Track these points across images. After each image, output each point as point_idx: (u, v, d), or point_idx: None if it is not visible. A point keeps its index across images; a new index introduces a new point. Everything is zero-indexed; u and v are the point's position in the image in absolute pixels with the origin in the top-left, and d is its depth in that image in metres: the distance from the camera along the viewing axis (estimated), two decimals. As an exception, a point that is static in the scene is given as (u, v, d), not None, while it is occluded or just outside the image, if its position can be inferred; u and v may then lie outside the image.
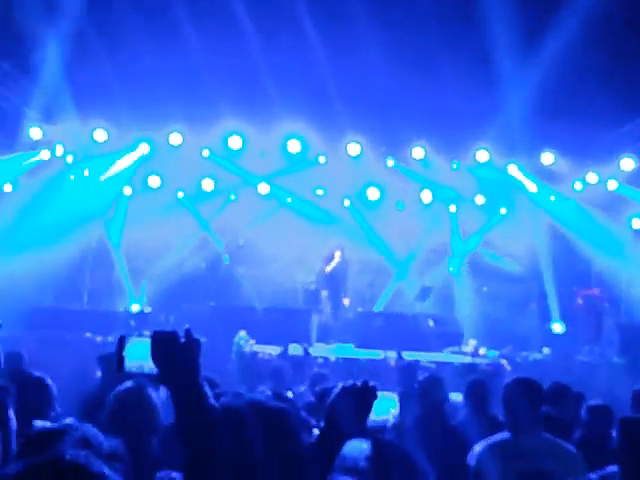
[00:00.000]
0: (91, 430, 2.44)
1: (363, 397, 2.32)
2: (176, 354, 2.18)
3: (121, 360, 2.26)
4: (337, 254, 12.89)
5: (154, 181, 13.34)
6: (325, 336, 11.91)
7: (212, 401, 2.18)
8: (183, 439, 2.16)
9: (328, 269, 12.77)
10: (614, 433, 4.98)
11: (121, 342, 2.26)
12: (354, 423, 2.30)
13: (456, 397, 5.88)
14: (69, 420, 3.00)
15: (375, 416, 2.40)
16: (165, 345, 2.20)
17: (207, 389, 2.23)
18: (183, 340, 2.21)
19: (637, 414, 5.00)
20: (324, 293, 12.74)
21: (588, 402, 5.31)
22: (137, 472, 2.89)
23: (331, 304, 12.71)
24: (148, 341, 2.24)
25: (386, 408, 2.49)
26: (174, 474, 2.52)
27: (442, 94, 10.78)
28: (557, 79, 10.66)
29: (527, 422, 4.07)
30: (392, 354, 10.44)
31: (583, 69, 10.48)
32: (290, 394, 5.57)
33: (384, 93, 11.04)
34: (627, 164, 12.67)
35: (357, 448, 2.70)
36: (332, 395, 2.34)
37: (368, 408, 2.32)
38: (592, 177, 13.10)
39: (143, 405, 3.44)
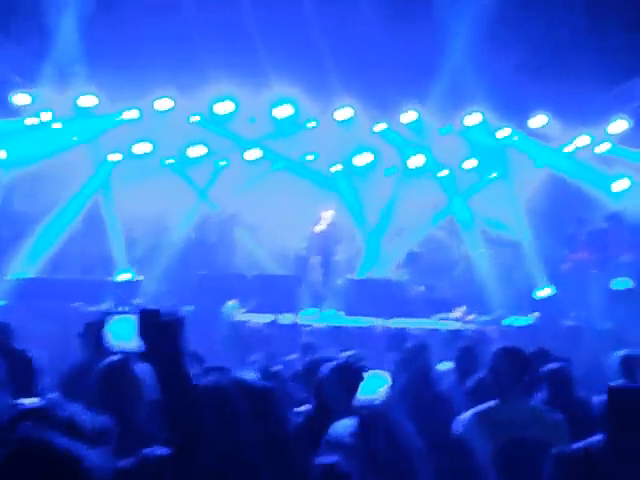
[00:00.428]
0: (77, 409, 2.43)
1: (349, 380, 2.33)
2: (158, 334, 2.17)
3: (103, 339, 2.26)
4: (326, 215, 12.80)
5: (144, 148, 13.14)
6: (315, 303, 11.92)
7: (196, 381, 2.19)
8: (169, 419, 2.16)
9: (317, 229, 12.72)
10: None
11: (102, 321, 2.26)
12: (341, 404, 2.31)
13: (441, 366, 5.89)
14: (54, 395, 2.99)
15: (364, 395, 2.41)
16: (149, 324, 2.19)
17: (194, 366, 2.24)
18: (166, 319, 2.19)
19: (625, 381, 5.02)
20: (315, 259, 12.72)
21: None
22: (125, 446, 2.88)
23: (322, 271, 12.69)
24: (130, 318, 2.23)
25: (375, 387, 2.51)
26: (160, 450, 2.51)
27: (435, 54, 10.68)
28: (548, 38, 10.57)
29: (514, 391, 4.11)
30: (380, 321, 10.47)
31: (573, 28, 10.39)
32: (279, 367, 5.59)
33: (377, 55, 10.84)
34: (619, 125, 12.63)
35: (342, 424, 2.72)
36: (319, 376, 2.35)
37: (354, 389, 2.34)
38: (584, 139, 13.07)
39: (128, 377, 3.44)
